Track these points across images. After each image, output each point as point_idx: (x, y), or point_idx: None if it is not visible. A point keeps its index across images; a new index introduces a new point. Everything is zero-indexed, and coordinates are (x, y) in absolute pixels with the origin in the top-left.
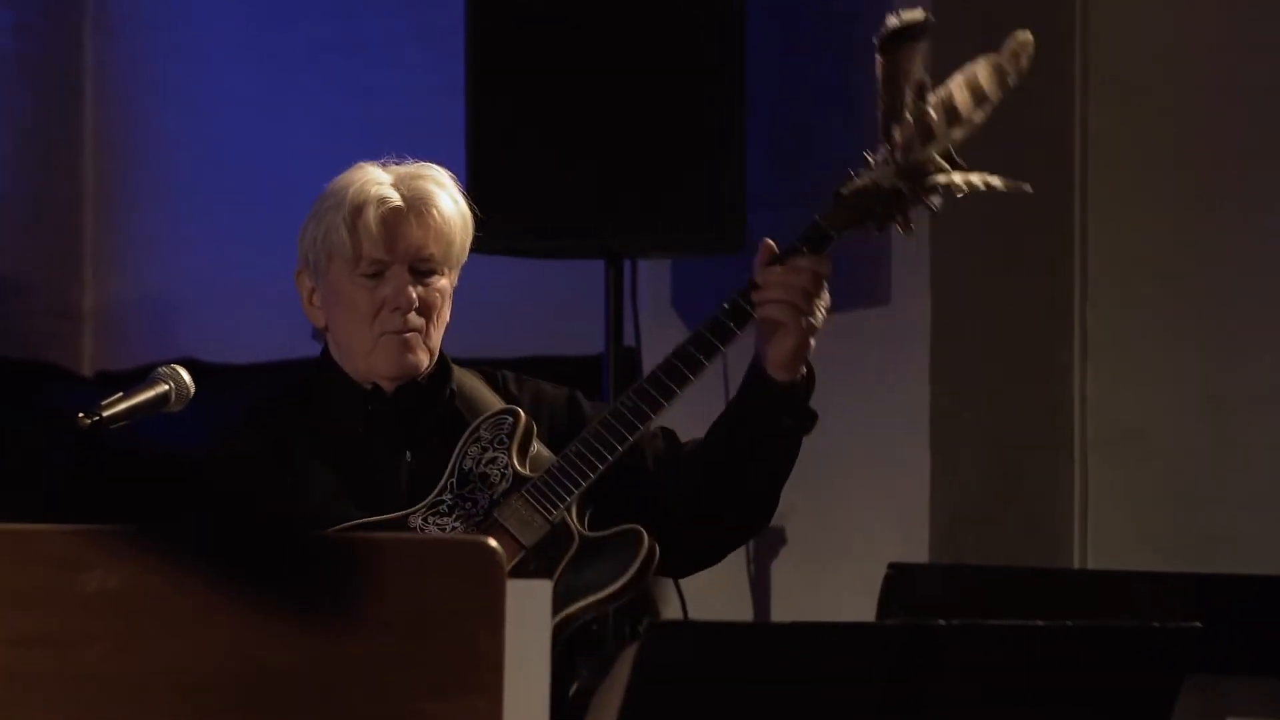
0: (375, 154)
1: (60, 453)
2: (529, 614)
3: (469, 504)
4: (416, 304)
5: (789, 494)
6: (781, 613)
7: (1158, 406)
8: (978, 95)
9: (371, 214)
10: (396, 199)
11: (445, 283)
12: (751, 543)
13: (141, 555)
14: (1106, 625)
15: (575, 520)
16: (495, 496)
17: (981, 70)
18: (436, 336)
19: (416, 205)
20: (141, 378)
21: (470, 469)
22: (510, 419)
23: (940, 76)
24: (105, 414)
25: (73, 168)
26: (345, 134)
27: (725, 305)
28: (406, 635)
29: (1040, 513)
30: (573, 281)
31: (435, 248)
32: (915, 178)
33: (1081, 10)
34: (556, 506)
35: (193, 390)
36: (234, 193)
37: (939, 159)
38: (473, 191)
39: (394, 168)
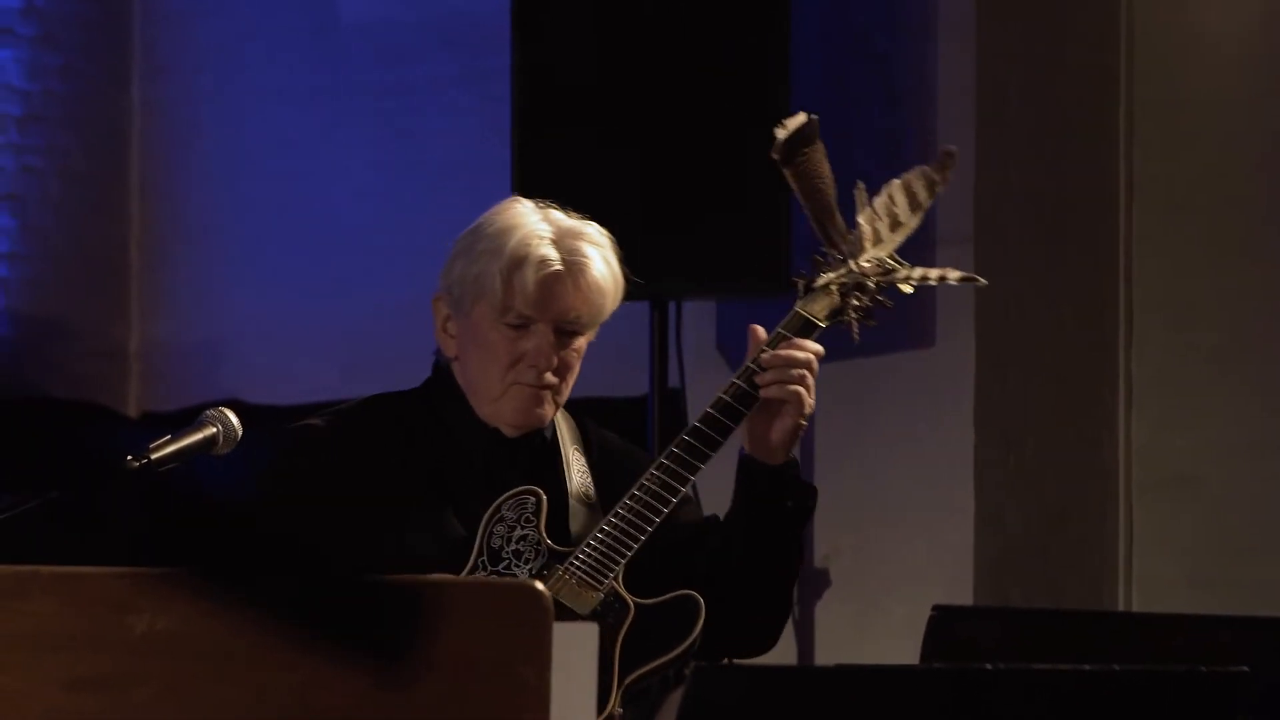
0: (421, 197)
1: (116, 496)
2: (575, 656)
3: (508, 579)
4: (555, 365)
5: (834, 537)
6: (826, 655)
7: (1203, 450)
8: (914, 202)
9: (530, 274)
10: (557, 262)
11: (584, 341)
12: (796, 586)
13: (190, 598)
14: (1153, 669)
15: (623, 588)
16: (534, 572)
17: (915, 179)
18: (566, 392)
19: (574, 269)
20: (187, 418)
21: (500, 547)
22: (533, 499)
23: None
24: (153, 456)
25: (119, 209)
26: (392, 176)
27: (728, 389)
28: (455, 678)
29: (1085, 556)
30: (618, 323)
31: (584, 310)
32: (875, 274)
33: (1127, 52)
34: (605, 576)
35: (240, 433)
36: (279, 235)
37: (896, 257)
38: None
39: (554, 217)
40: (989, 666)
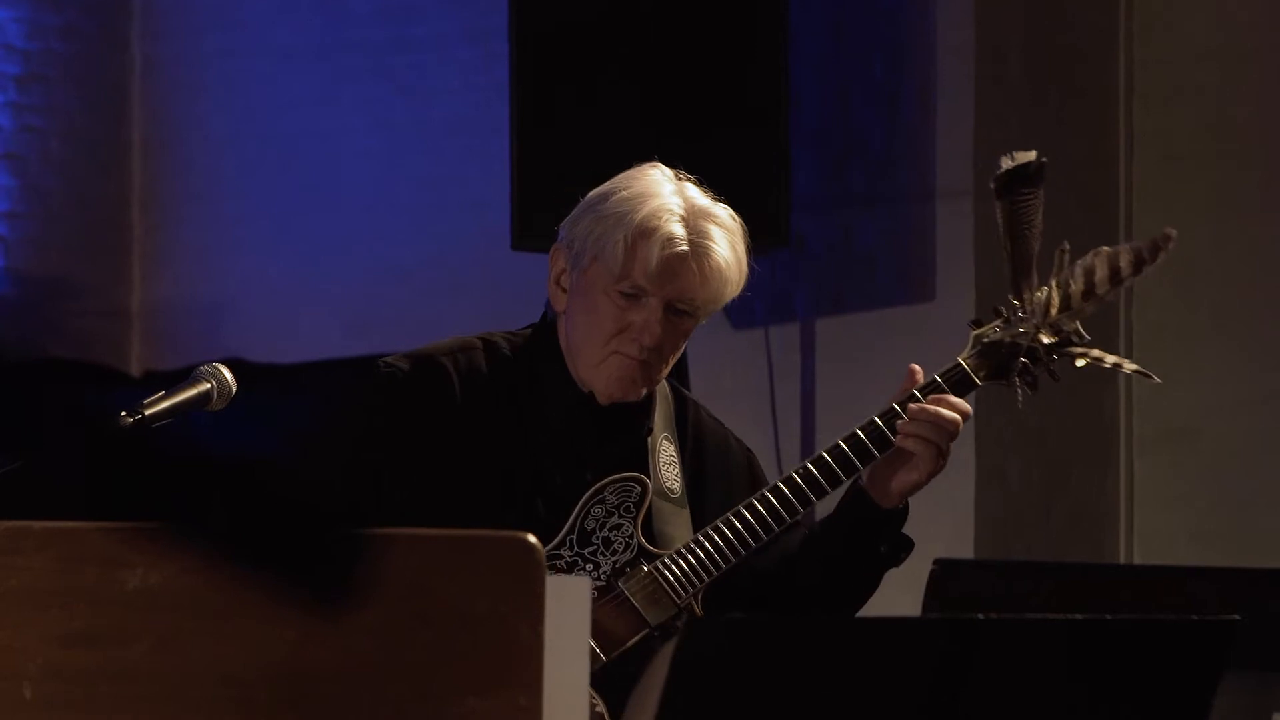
0: (423, 156)
1: (106, 453)
2: (568, 609)
3: (589, 565)
4: (659, 342)
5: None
6: None
7: (1204, 405)
8: (1115, 275)
9: (655, 248)
10: (683, 241)
11: (693, 325)
12: None
13: (183, 553)
14: (1144, 619)
15: (700, 608)
16: (618, 565)
17: (1124, 253)
18: (664, 371)
19: (699, 251)
20: (188, 377)
21: (593, 530)
22: (638, 488)
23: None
24: (147, 412)
25: (121, 169)
26: (393, 135)
27: (869, 427)
28: (447, 630)
29: (1086, 511)
30: None
31: (700, 295)
32: (1056, 343)
33: (1126, 6)
34: (687, 591)
35: (234, 388)
36: (281, 194)
37: (1079, 329)
38: (518, 189)
39: (688, 192)
40: (980, 616)
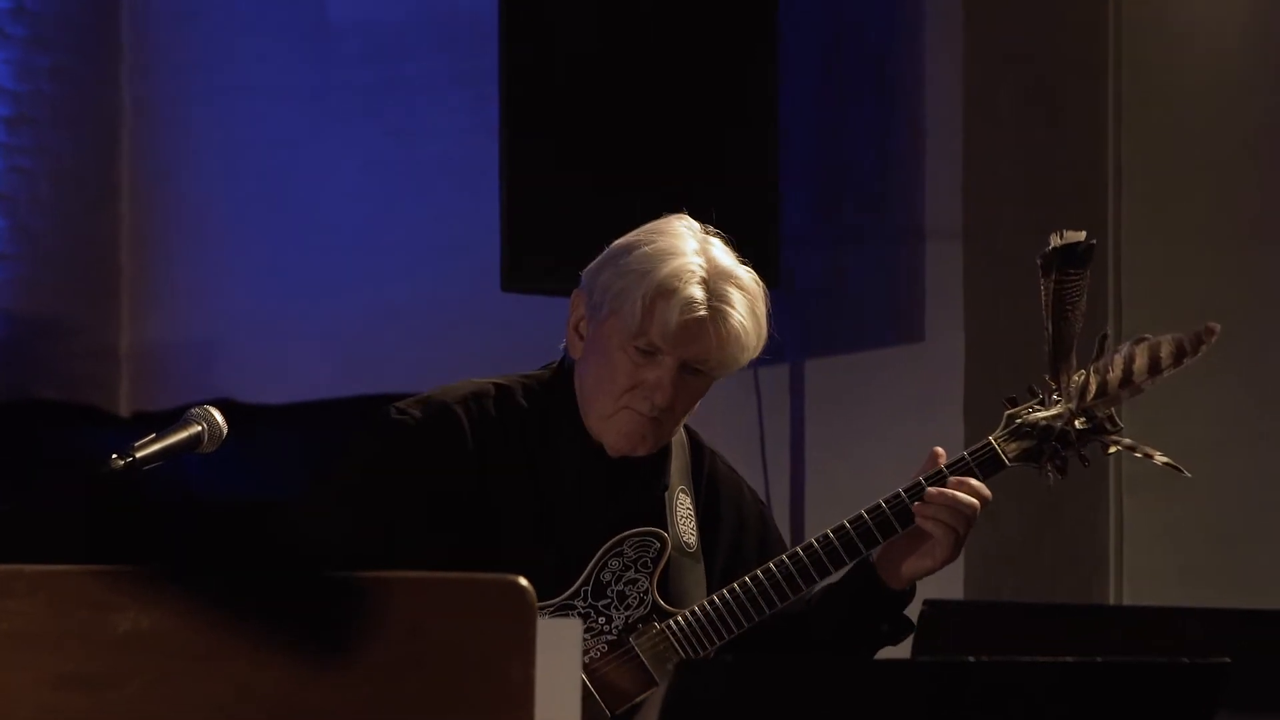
0: (412, 196)
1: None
2: (559, 650)
3: (601, 619)
4: (669, 402)
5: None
6: None
7: (1194, 444)
8: (1154, 365)
9: (674, 311)
10: (702, 305)
11: (708, 384)
12: None
13: (174, 595)
14: (1135, 661)
15: None
16: (630, 620)
17: (1165, 344)
18: (675, 429)
19: (718, 316)
20: (179, 419)
21: (609, 582)
22: (657, 544)
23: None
24: (138, 455)
25: (109, 209)
26: (382, 175)
27: (893, 500)
28: (438, 672)
29: (1076, 550)
30: None
31: (716, 358)
32: (1090, 429)
33: (1115, 44)
34: (698, 652)
35: (225, 431)
36: (271, 234)
37: (1114, 416)
38: (508, 230)
39: (712, 252)
40: (970, 659)
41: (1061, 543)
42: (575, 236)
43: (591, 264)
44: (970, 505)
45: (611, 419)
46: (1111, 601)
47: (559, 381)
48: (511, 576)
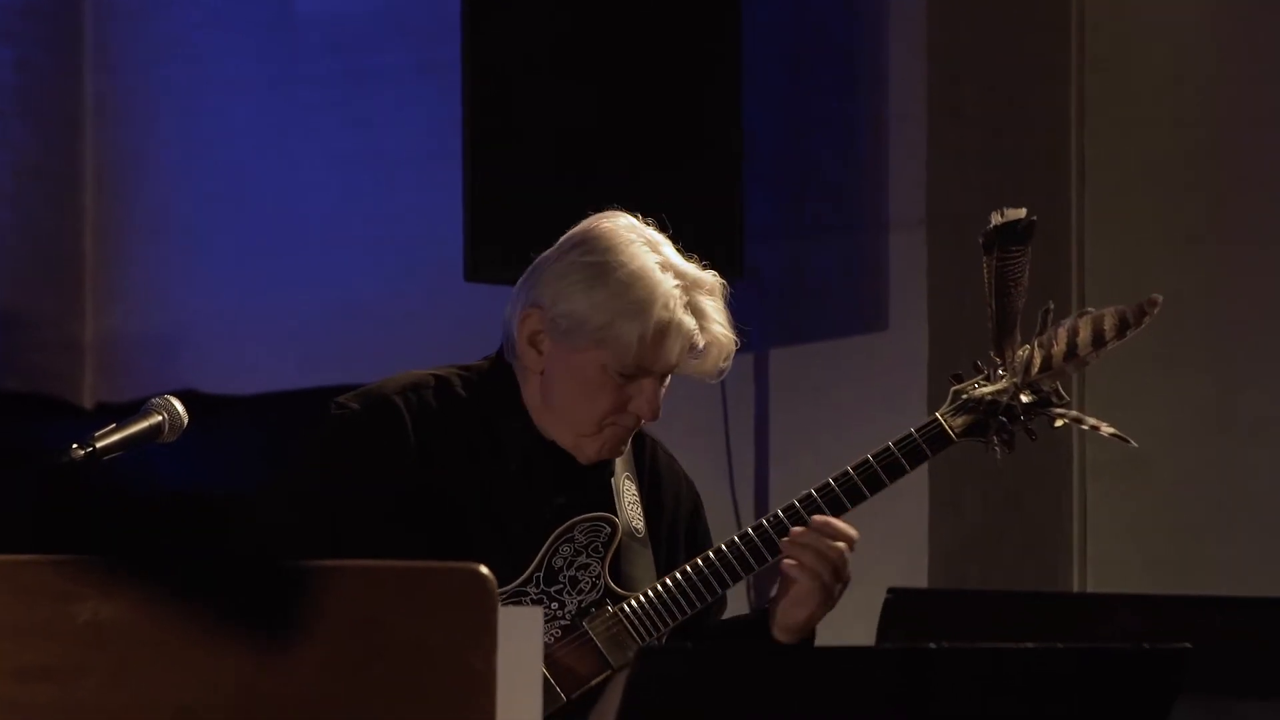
0: (377, 189)
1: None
2: (520, 640)
3: (554, 604)
4: (658, 413)
5: None
6: None
7: (1157, 433)
8: (1098, 338)
9: (675, 346)
10: (696, 334)
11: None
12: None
13: (134, 586)
14: (1096, 647)
15: None
16: (583, 605)
17: (1108, 316)
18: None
19: (709, 338)
20: (139, 409)
21: (560, 568)
22: (608, 528)
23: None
24: (98, 445)
25: (73, 201)
26: (347, 168)
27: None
28: (399, 662)
29: (1040, 539)
30: None
31: (709, 369)
32: (1035, 402)
33: (1078, 37)
34: (651, 634)
35: (186, 421)
36: (235, 225)
37: (1059, 389)
38: (470, 222)
39: (673, 259)
40: (933, 646)
41: (1025, 531)
42: (539, 228)
43: (538, 277)
44: (829, 552)
45: (594, 436)
46: (1075, 590)
47: (498, 373)
48: (472, 565)
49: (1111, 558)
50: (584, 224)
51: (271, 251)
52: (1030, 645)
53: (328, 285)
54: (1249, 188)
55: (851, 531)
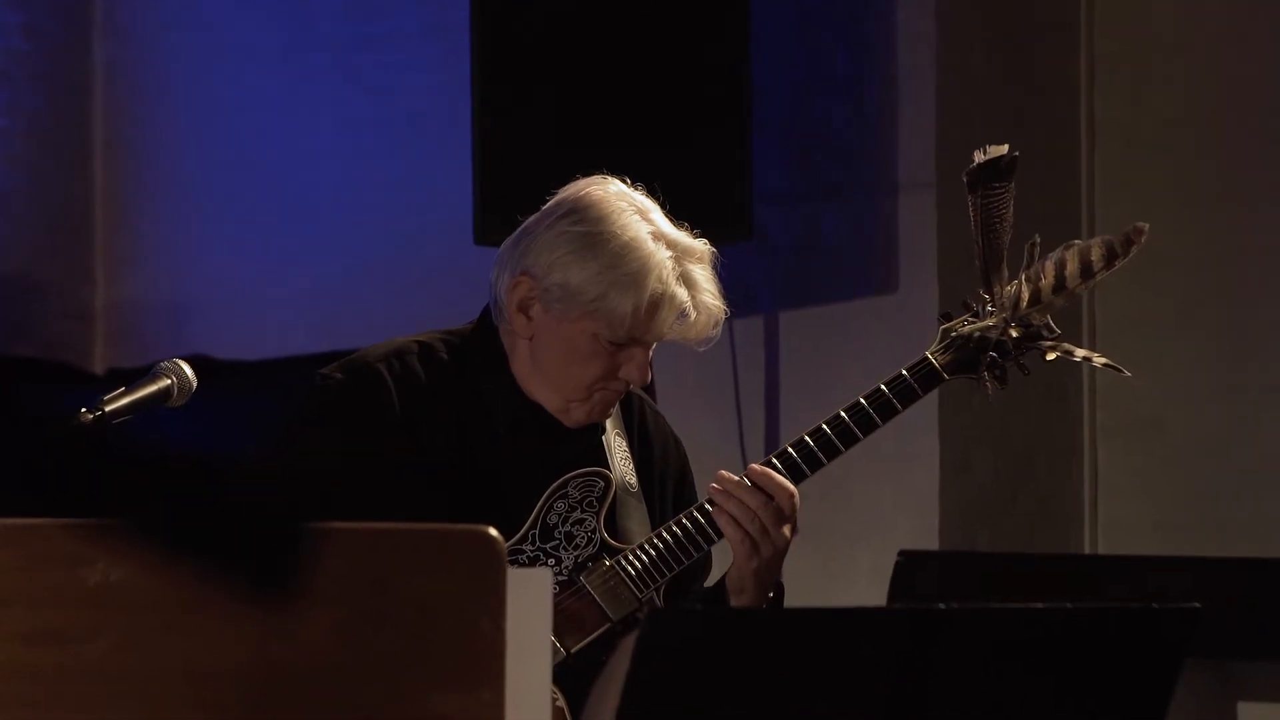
0: (387, 153)
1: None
2: (530, 602)
3: (551, 560)
4: (648, 377)
5: (800, 485)
6: (792, 602)
7: (1168, 395)
8: (1086, 269)
9: (669, 316)
10: (688, 304)
11: None
12: None
13: (144, 549)
14: (1105, 607)
15: (661, 599)
16: (580, 559)
17: (1095, 247)
18: None
19: (701, 307)
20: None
21: (555, 524)
22: (601, 483)
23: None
24: (107, 409)
25: (83, 168)
26: (358, 132)
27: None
28: (409, 626)
29: (1051, 502)
30: None
31: (698, 337)
32: (1025, 337)
33: (1087, 2)
34: (649, 585)
35: (195, 384)
36: (245, 192)
37: (1050, 323)
38: (480, 185)
39: (663, 227)
40: (942, 606)
41: (1036, 494)
42: (547, 191)
43: (529, 244)
44: (759, 503)
45: (583, 402)
46: (1086, 552)
47: (482, 335)
48: (481, 527)
49: (1122, 520)
50: (572, 190)
51: (281, 217)
52: (1039, 605)
53: (337, 250)
54: (1261, 150)
55: (788, 487)
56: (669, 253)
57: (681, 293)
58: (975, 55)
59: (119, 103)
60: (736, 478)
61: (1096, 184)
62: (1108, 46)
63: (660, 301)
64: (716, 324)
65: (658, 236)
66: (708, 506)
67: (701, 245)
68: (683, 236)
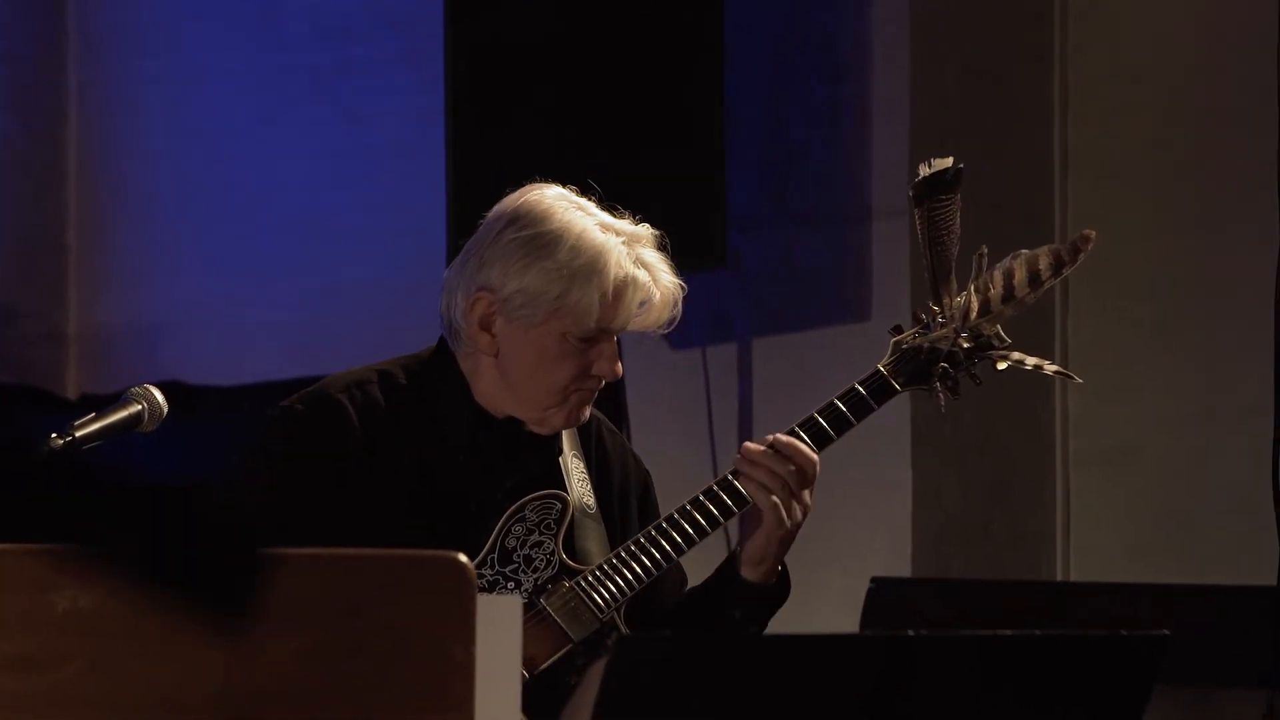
0: (363, 178)
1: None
2: (499, 628)
3: (510, 584)
4: (619, 371)
5: None
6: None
7: (1141, 422)
8: (1034, 278)
9: (634, 300)
10: (650, 286)
11: None
12: None
13: (113, 575)
14: (1074, 634)
15: (624, 623)
16: (539, 582)
17: (1043, 256)
18: None
19: (662, 288)
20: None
21: (514, 548)
22: (559, 505)
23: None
24: (78, 434)
25: (57, 192)
26: (333, 157)
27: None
28: (379, 651)
29: (1024, 528)
30: None
31: (663, 320)
32: (976, 347)
33: (1061, 26)
34: (609, 606)
35: (165, 410)
36: (219, 216)
37: (1000, 333)
38: (454, 211)
39: (610, 220)
40: (911, 633)
41: (1009, 520)
42: None
43: (477, 262)
44: (780, 472)
45: (559, 407)
46: (1059, 579)
47: (440, 360)
48: (450, 553)
49: (1096, 546)
50: (509, 201)
51: (255, 242)
52: (1009, 632)
53: (311, 275)
54: (1233, 177)
55: (812, 456)
56: (619, 238)
57: (642, 274)
58: (950, 82)
59: (93, 127)
60: (762, 447)
61: (1070, 210)
62: (1082, 74)
63: (625, 285)
64: (676, 303)
65: (605, 227)
66: (663, 523)
67: (645, 229)
68: (627, 224)
